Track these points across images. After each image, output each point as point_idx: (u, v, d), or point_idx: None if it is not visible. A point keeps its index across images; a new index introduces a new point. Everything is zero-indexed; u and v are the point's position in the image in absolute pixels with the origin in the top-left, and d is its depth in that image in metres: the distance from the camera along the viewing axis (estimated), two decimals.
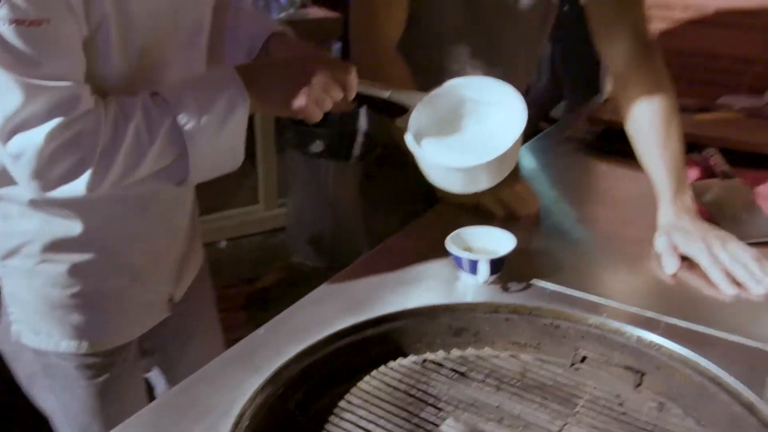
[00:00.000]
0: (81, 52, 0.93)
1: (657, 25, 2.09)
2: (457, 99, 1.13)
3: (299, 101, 1.00)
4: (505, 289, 1.13)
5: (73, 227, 1.10)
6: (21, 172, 0.92)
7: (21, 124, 0.88)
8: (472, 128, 1.12)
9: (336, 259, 2.46)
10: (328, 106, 1.02)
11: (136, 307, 1.21)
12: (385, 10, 1.35)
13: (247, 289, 3.04)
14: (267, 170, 3.49)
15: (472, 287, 1.13)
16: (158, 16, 1.02)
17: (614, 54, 1.43)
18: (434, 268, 1.19)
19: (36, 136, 0.89)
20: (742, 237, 1.32)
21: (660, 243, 1.26)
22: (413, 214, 1.40)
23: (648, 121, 1.35)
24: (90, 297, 1.15)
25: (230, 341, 1.07)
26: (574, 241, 1.34)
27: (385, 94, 1.09)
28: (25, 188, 0.96)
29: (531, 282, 1.15)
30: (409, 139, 1.09)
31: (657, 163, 1.33)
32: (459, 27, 1.45)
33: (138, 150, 0.94)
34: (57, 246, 1.10)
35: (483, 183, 1.10)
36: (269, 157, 3.47)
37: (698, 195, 1.44)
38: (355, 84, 1.04)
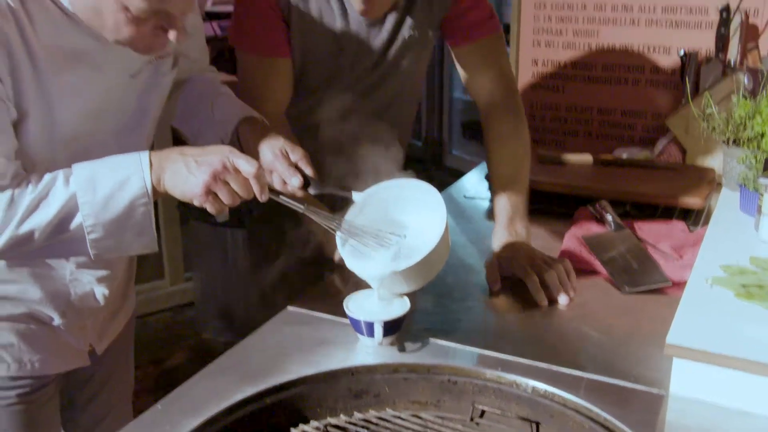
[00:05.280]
0: (12, 133, 1.07)
1: (552, 82, 2.27)
2: (380, 203, 1.26)
3: (195, 192, 1.08)
4: (402, 349, 1.21)
5: None
6: None
7: None
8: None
9: (250, 333, 2.49)
10: (230, 200, 1.10)
11: (59, 346, 1.32)
12: (266, 90, 1.48)
13: (155, 371, 3.02)
14: (171, 242, 3.48)
15: (370, 349, 1.21)
16: (86, 115, 1.15)
17: (480, 93, 1.67)
18: (333, 332, 1.26)
19: None
20: (634, 285, 1.44)
21: (486, 262, 1.48)
22: (315, 278, 1.48)
23: (502, 160, 1.61)
24: (20, 321, 1.26)
25: None
26: (469, 299, 1.43)
27: (300, 208, 1.18)
28: None
29: (428, 341, 1.24)
30: (342, 251, 1.23)
31: (501, 195, 1.55)
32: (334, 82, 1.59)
33: (32, 221, 1.05)
34: None
35: (421, 279, 1.24)
36: (173, 229, 3.46)
37: (592, 246, 1.57)
38: (264, 181, 1.12)
